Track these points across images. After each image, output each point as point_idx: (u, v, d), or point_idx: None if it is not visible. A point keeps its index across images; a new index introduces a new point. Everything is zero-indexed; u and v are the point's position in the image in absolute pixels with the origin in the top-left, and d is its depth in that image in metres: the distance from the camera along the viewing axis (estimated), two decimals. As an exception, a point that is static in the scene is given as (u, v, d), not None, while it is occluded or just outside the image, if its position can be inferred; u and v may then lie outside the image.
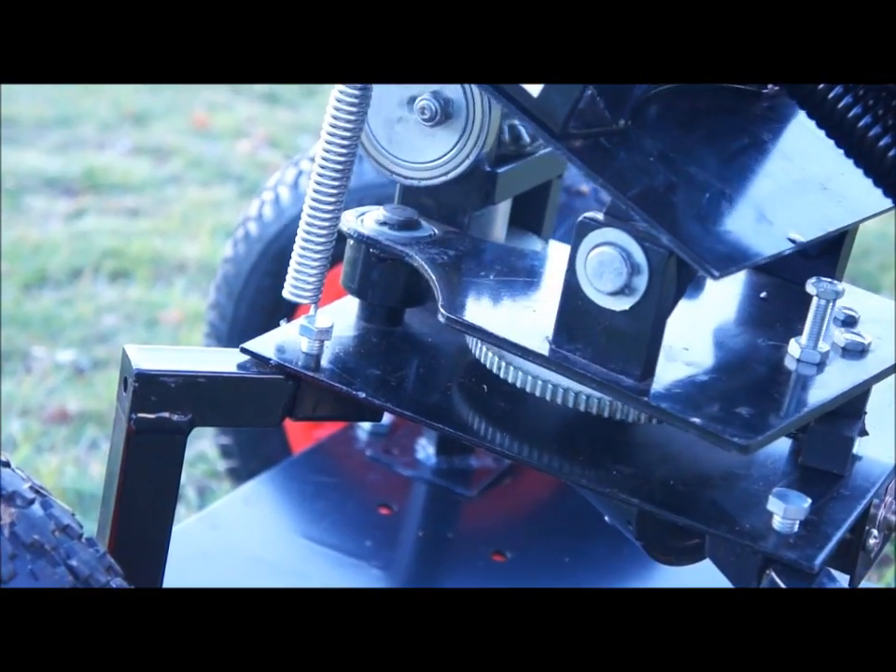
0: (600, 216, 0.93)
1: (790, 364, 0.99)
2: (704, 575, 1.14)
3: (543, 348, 0.95)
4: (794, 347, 1.00)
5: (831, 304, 0.98)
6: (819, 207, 1.03)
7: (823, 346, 1.00)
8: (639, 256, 0.91)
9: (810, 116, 0.96)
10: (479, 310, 1.00)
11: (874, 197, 1.04)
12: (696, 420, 0.90)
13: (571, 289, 0.94)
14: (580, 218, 0.93)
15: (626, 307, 0.92)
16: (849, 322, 1.06)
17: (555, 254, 1.14)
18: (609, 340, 0.93)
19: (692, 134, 1.00)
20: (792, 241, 0.96)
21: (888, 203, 1.05)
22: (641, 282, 0.91)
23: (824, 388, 0.98)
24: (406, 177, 1.11)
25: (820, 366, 0.99)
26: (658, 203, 0.91)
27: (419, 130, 1.09)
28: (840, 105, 0.93)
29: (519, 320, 0.99)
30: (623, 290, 0.91)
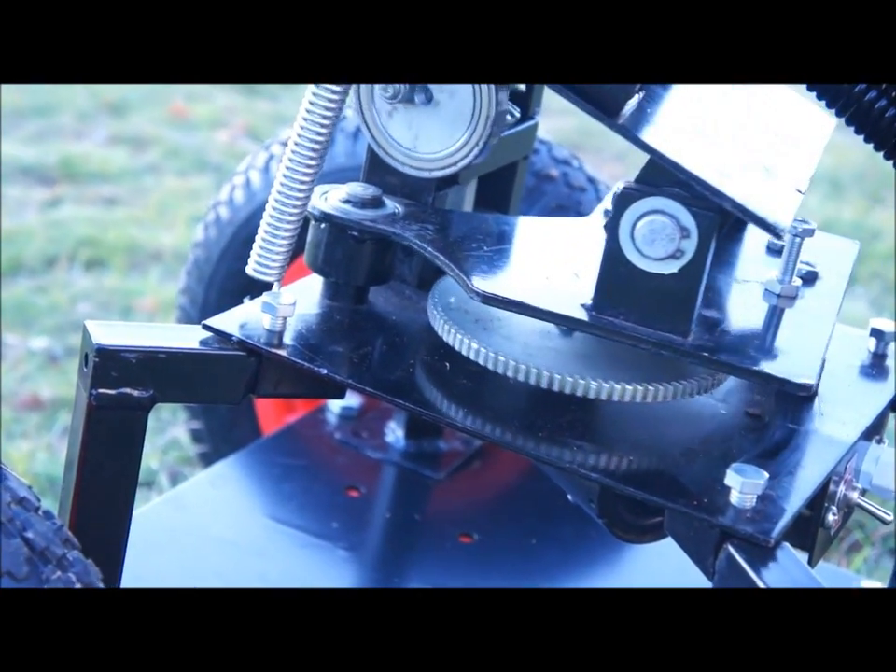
0: (636, 185, 0.95)
1: (772, 300, 1.03)
2: (668, 556, 1.14)
3: (585, 316, 0.97)
4: (774, 284, 1.04)
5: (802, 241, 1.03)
6: (790, 153, 1.07)
7: (796, 280, 1.04)
8: (688, 220, 0.94)
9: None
10: (504, 283, 1.01)
11: (809, 131, 1.13)
12: (764, 370, 0.94)
13: (613, 257, 0.96)
14: (620, 188, 0.96)
15: (675, 270, 0.95)
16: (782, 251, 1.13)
17: (521, 219, 1.15)
18: (654, 302, 0.96)
19: (677, 91, 1.04)
20: (800, 191, 1.02)
21: (827, 129, 1.15)
22: (690, 245, 0.95)
23: (824, 320, 1.04)
24: (420, 169, 1.09)
25: (797, 298, 1.04)
26: (708, 169, 0.94)
27: (430, 121, 1.07)
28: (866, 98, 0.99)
29: (544, 289, 1.01)
30: (674, 254, 0.95)
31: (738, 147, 1.02)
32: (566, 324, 0.99)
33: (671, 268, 0.95)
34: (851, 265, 1.15)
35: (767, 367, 0.95)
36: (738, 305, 1.04)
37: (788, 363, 0.96)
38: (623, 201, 0.95)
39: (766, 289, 1.04)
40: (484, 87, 1.05)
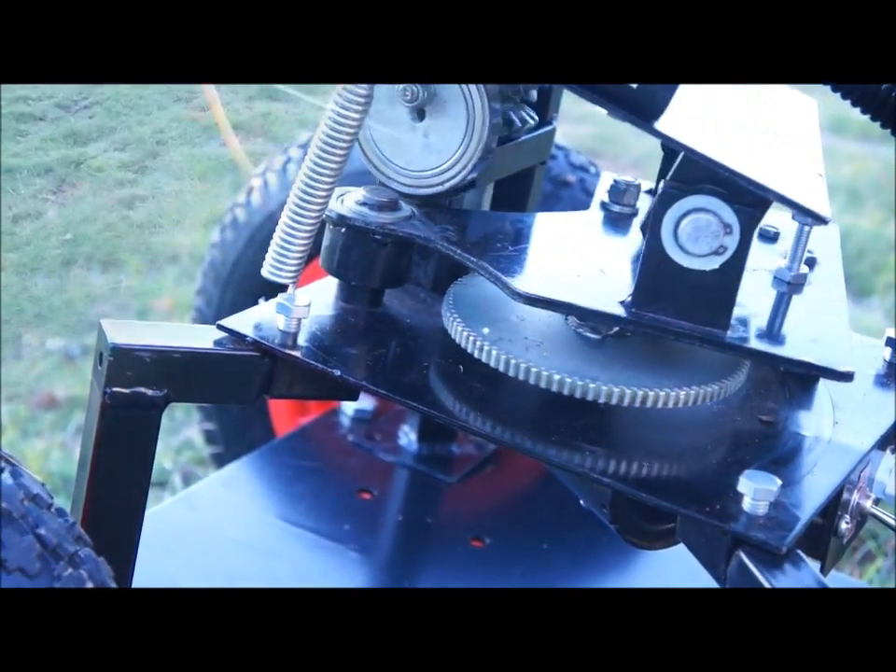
0: (677, 183, 0.96)
1: (781, 287, 1.04)
2: (679, 562, 1.14)
3: (627, 313, 0.98)
4: (783, 272, 1.05)
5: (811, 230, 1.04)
6: (792, 144, 1.08)
7: (804, 268, 1.06)
8: (730, 217, 0.96)
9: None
10: (541, 283, 1.01)
11: (797, 116, 1.15)
12: (808, 359, 0.96)
13: (654, 255, 0.97)
14: (663, 188, 0.96)
15: (717, 266, 0.96)
16: (775, 237, 1.15)
17: (533, 217, 1.15)
18: (694, 298, 0.97)
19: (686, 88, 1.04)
20: (821, 176, 1.03)
21: (813, 111, 1.17)
22: (732, 241, 0.96)
23: (837, 306, 1.06)
24: (409, 186, 1.09)
25: (805, 285, 1.06)
26: (741, 163, 0.95)
27: (420, 139, 1.07)
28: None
29: (579, 288, 1.01)
30: (717, 251, 0.96)
31: (745, 140, 1.03)
32: (609, 322, 0.99)
33: (713, 264, 0.96)
34: (839, 247, 1.18)
35: (809, 356, 0.96)
36: (755, 295, 1.04)
37: (825, 352, 0.97)
38: (665, 200, 0.96)
39: (776, 277, 1.05)
40: (478, 105, 1.05)
